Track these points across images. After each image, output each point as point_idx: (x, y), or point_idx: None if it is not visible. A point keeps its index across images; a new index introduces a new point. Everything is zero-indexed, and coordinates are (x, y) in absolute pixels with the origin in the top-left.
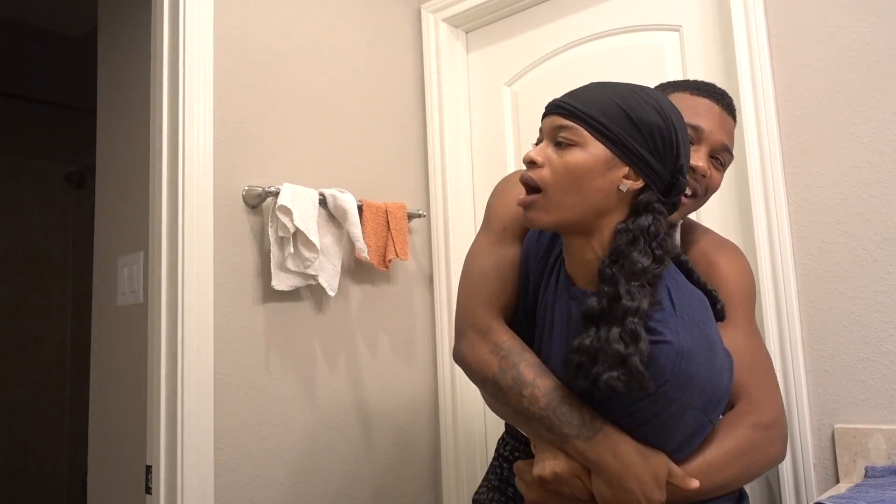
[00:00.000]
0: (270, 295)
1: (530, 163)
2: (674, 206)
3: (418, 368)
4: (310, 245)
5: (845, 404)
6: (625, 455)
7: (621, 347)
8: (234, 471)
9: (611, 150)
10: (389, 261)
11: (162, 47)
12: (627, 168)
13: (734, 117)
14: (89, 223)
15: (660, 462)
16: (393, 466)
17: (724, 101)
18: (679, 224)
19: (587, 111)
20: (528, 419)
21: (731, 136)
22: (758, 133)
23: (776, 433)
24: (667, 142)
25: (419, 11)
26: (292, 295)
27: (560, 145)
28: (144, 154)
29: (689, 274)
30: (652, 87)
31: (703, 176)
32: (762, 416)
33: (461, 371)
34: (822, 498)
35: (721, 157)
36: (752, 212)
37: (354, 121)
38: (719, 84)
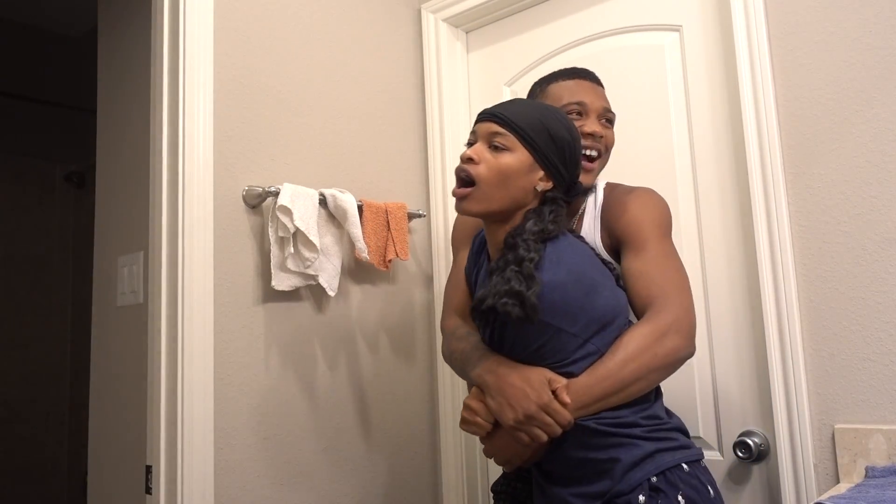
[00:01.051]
0: (270, 295)
1: (468, 159)
2: (570, 202)
3: (418, 368)
4: (310, 245)
5: (845, 404)
6: (500, 370)
7: (521, 286)
8: (234, 471)
9: (533, 157)
10: (389, 261)
11: (162, 47)
12: (543, 172)
13: (602, 85)
14: (89, 223)
15: (536, 371)
16: (393, 466)
17: (591, 76)
18: (601, 188)
19: (519, 123)
20: (460, 373)
21: (606, 99)
22: (758, 133)
23: (672, 330)
24: (572, 154)
25: (419, 11)
26: (292, 295)
27: (495, 148)
28: (144, 154)
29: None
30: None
31: (601, 137)
32: (658, 320)
33: None
34: (822, 498)
35: (607, 117)
36: (752, 212)
37: (354, 121)
38: (720, 85)
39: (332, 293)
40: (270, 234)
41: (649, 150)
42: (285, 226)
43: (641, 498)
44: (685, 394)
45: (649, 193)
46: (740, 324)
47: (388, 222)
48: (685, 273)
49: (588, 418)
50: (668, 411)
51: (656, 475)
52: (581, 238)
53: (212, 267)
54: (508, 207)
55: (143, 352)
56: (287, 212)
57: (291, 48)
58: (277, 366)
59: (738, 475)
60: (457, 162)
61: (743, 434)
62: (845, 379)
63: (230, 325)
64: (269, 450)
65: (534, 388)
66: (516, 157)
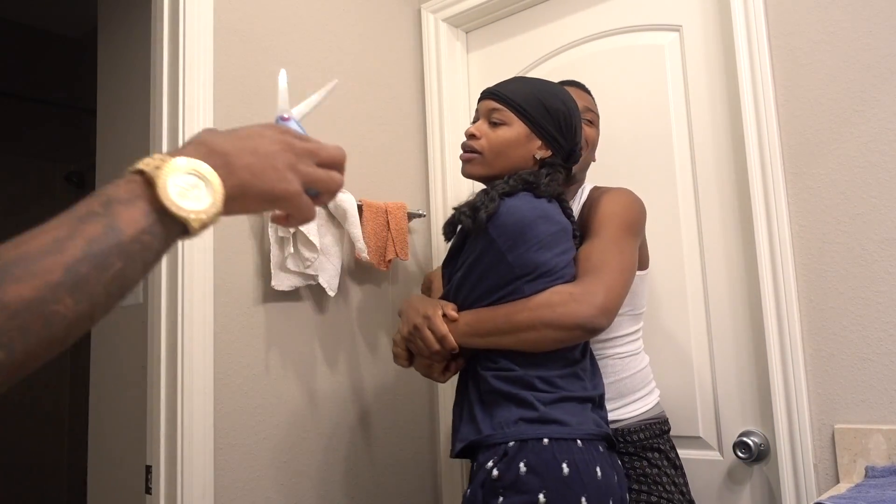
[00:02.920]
0: (270, 295)
1: (471, 135)
2: (570, 170)
3: None
4: (310, 245)
5: (845, 404)
6: (410, 299)
7: (481, 204)
8: (234, 471)
9: (529, 129)
10: (389, 261)
11: (162, 47)
12: (541, 142)
13: (587, 92)
14: None
15: (431, 301)
16: (393, 466)
17: (576, 85)
18: (588, 190)
19: (514, 98)
20: None
21: (586, 103)
22: (758, 133)
23: (584, 297)
24: (568, 123)
25: (419, 11)
26: (292, 295)
27: (493, 124)
28: (144, 154)
29: (565, 210)
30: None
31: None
32: (574, 287)
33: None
34: (822, 498)
35: (585, 117)
36: (752, 212)
37: (354, 120)
38: (720, 85)
39: (332, 293)
40: (270, 234)
41: (649, 151)
42: None
43: (490, 464)
44: (685, 394)
45: (620, 193)
46: (740, 324)
47: (388, 222)
48: (627, 262)
49: (485, 370)
50: (596, 381)
51: (514, 441)
52: (571, 218)
53: (212, 267)
54: (507, 172)
55: (143, 352)
56: None
57: (291, 48)
58: (277, 366)
59: (738, 475)
60: (456, 162)
61: (743, 434)
62: (845, 379)
63: (230, 325)
64: (268, 450)
65: (423, 304)
66: (513, 130)
